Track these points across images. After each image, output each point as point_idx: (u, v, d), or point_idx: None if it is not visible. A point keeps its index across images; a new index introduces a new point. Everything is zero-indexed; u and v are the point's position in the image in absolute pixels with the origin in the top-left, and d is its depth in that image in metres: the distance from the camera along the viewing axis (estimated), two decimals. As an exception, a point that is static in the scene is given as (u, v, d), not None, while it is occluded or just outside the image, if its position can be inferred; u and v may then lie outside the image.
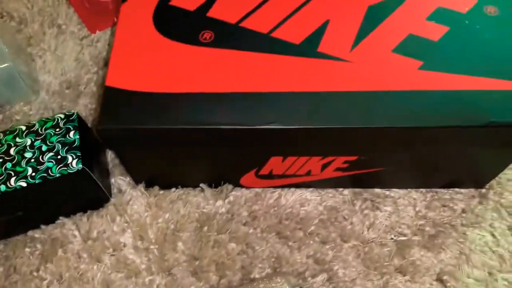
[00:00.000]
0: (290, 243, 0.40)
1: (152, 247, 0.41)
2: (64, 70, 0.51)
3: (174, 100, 0.34)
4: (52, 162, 0.37)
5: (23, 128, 0.39)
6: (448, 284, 0.38)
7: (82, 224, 0.41)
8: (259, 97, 0.34)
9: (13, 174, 0.37)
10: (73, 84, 0.50)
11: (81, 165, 0.37)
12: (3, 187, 0.36)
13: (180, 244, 0.41)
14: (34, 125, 0.39)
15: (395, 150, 0.36)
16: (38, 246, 0.41)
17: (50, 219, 0.41)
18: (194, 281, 0.39)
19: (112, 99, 0.35)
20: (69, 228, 0.41)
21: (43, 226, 0.41)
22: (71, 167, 0.37)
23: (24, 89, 0.47)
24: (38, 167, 0.37)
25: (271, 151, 0.37)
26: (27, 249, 0.41)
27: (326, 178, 0.41)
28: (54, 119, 0.40)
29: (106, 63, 0.51)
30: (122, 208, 0.42)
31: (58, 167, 0.37)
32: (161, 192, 0.43)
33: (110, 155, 0.45)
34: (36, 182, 0.36)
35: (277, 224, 0.41)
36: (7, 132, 0.39)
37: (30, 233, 0.42)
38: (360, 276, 0.39)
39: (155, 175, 0.42)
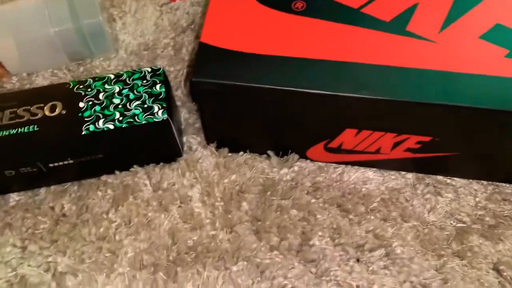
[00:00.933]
0: (351, 216, 0.42)
1: (217, 203, 0.42)
2: (143, 33, 0.53)
3: (264, 61, 0.36)
4: (138, 109, 0.39)
5: (112, 76, 0.42)
6: (505, 274, 0.39)
7: (154, 175, 0.44)
8: (346, 66, 0.35)
9: (101, 117, 0.39)
10: (150, 46, 0.52)
11: (166, 115, 0.39)
12: (92, 127, 0.39)
13: (244, 204, 0.42)
14: (122, 75, 0.42)
15: (469, 133, 0.37)
16: (110, 191, 0.43)
17: (125, 166, 0.44)
18: (256, 240, 0.41)
19: (205, 54, 0.37)
20: (141, 177, 0.43)
21: (117, 172, 0.44)
22: (157, 116, 0.39)
23: (107, 44, 0.50)
24: (125, 113, 0.39)
25: (347, 123, 0.38)
26: (99, 192, 0.43)
27: (393, 158, 0.42)
28: (141, 72, 0.42)
29: (184, 31, 0.53)
30: (192, 164, 0.44)
31: (144, 115, 0.39)
32: (230, 154, 0.45)
33: (183, 115, 0.47)
34: (123, 126, 0.39)
35: (339, 197, 0.43)
36: (97, 79, 0.42)
37: (103, 177, 0.44)
38: (417, 255, 0.40)
39: (227, 137, 0.43)
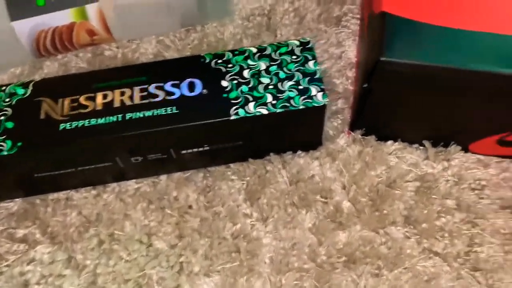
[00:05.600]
0: (525, 221, 0.36)
1: (364, 199, 0.37)
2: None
3: (457, 37, 0.30)
4: (293, 91, 0.33)
5: (254, 50, 0.36)
6: None
7: (292, 165, 0.38)
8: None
9: (251, 99, 0.33)
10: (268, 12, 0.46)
11: (327, 99, 0.33)
12: (241, 111, 0.33)
13: (396, 202, 0.37)
14: (266, 48, 0.36)
15: None
16: (242, 181, 0.38)
17: (259, 154, 0.38)
18: (414, 244, 0.35)
19: (392, 27, 0.30)
20: (277, 166, 0.38)
21: (250, 160, 0.38)
22: (317, 100, 0.33)
23: (227, 6, 0.43)
24: (278, 95, 0.33)
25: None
26: (230, 182, 0.38)
27: None
28: (288, 45, 0.36)
29: (305, -5, 0.46)
30: (334, 154, 0.38)
31: (301, 98, 0.33)
32: (377, 143, 0.39)
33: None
34: (278, 111, 0.33)
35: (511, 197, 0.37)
36: (236, 52, 0.35)
37: (233, 165, 0.39)
38: None
39: (378, 124, 0.38)
